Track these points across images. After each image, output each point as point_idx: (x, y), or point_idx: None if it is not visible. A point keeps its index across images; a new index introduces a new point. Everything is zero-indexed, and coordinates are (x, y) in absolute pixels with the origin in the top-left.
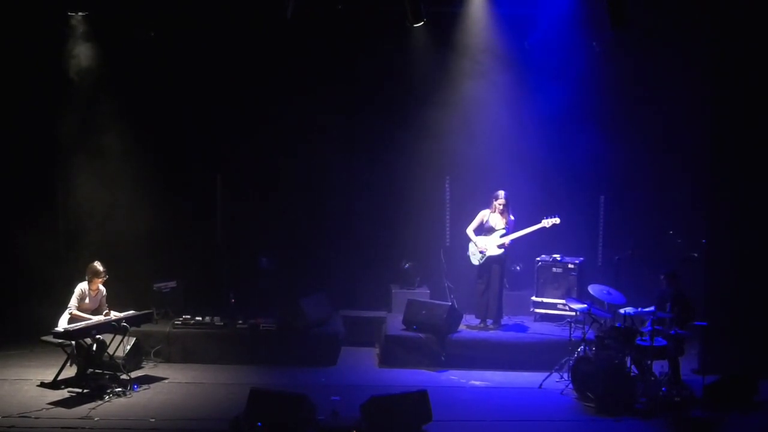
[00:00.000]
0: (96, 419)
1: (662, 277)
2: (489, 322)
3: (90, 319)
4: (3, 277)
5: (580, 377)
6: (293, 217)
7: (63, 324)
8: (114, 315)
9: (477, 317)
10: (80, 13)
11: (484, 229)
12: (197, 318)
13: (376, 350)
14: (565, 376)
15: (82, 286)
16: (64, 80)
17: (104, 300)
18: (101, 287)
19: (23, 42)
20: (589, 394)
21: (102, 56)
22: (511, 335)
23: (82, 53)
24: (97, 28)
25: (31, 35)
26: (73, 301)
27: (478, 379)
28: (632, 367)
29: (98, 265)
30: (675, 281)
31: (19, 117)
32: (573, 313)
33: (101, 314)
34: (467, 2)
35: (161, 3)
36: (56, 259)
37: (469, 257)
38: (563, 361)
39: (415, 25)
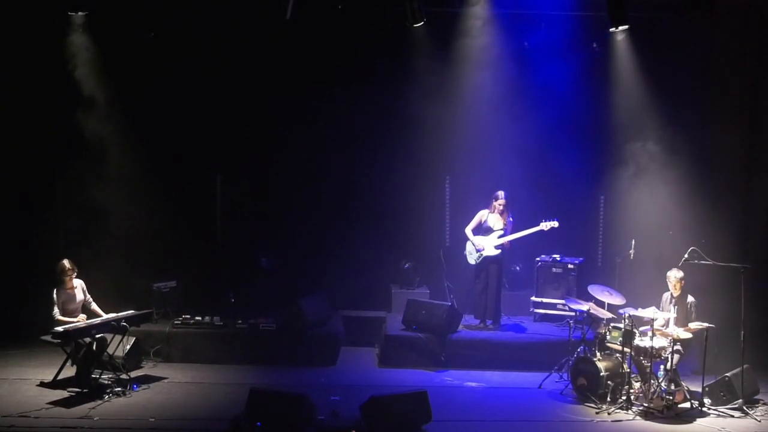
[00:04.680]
0: (95, 419)
1: (669, 280)
2: (488, 322)
3: (77, 321)
4: (2, 277)
5: (579, 377)
6: (293, 217)
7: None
8: (105, 315)
9: (476, 317)
10: (80, 13)
11: (482, 230)
12: (197, 318)
13: (376, 350)
14: (565, 376)
15: (57, 291)
16: (64, 80)
17: (86, 291)
18: (76, 281)
19: (23, 41)
20: (589, 394)
21: (102, 56)
22: (510, 335)
23: (82, 53)
24: (97, 28)
25: (31, 35)
26: (54, 309)
27: (478, 379)
28: (632, 367)
29: (66, 263)
30: (681, 285)
31: (19, 117)
32: (572, 314)
33: (87, 308)
34: (467, 2)
35: (161, 3)
36: (56, 259)
37: (466, 257)
38: (563, 361)
39: (415, 25)
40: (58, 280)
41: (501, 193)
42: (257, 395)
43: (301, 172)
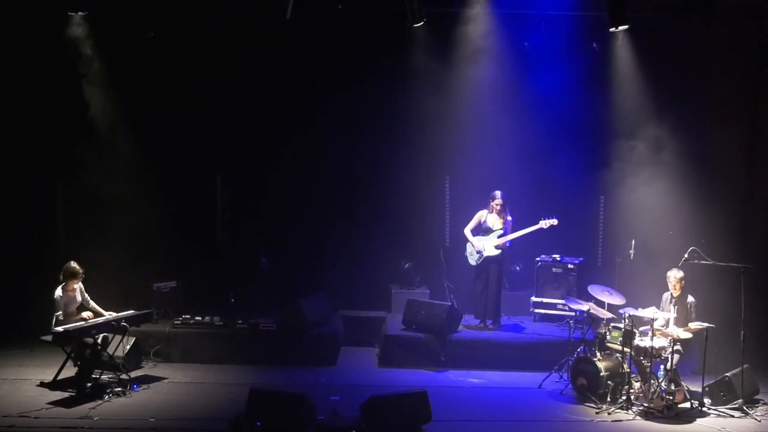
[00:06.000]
0: (96, 419)
1: (669, 280)
2: (488, 322)
3: (79, 321)
4: (2, 277)
5: (579, 377)
6: (293, 217)
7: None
8: (105, 314)
9: (476, 317)
10: (80, 13)
11: (481, 230)
12: (197, 318)
13: (376, 350)
14: (565, 376)
15: (59, 293)
16: (64, 80)
17: (83, 291)
18: (77, 284)
19: (23, 42)
20: (589, 394)
21: (102, 56)
22: (510, 335)
23: (82, 53)
24: (97, 28)
25: (31, 35)
26: (56, 310)
27: (478, 379)
28: (632, 367)
29: (75, 266)
30: (681, 285)
31: (19, 118)
32: (572, 314)
33: (86, 308)
34: (467, 2)
35: (161, 3)
36: (56, 259)
37: (466, 258)
38: (563, 361)
39: (415, 25)
40: (64, 281)
41: (498, 193)
42: (257, 395)
43: (301, 172)
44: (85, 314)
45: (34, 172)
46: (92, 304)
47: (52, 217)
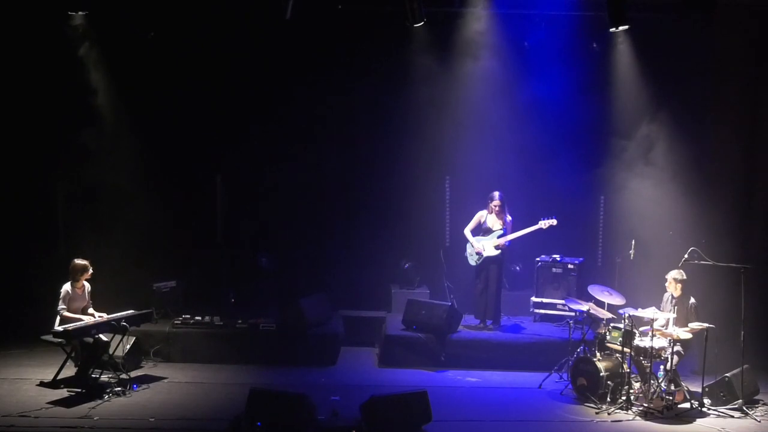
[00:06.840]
0: (95, 419)
1: (669, 281)
2: (488, 322)
3: (81, 319)
4: (2, 277)
5: (579, 377)
6: (293, 217)
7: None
8: (100, 315)
9: (476, 318)
10: (80, 13)
11: (481, 230)
12: (197, 318)
13: (376, 350)
14: (565, 376)
15: (67, 287)
16: (63, 80)
17: (89, 294)
18: (85, 283)
19: (23, 41)
20: (589, 395)
21: (101, 57)
22: (510, 335)
23: (82, 53)
24: (97, 28)
25: (31, 35)
26: (61, 304)
27: (477, 378)
28: (632, 367)
29: (81, 261)
30: (682, 285)
31: (17, 118)
32: (572, 314)
33: (87, 311)
34: (467, 2)
35: (161, 3)
36: (56, 259)
37: (466, 258)
38: (563, 361)
39: (415, 25)
40: (72, 277)
41: (496, 194)
42: (257, 395)
43: (301, 171)
44: (87, 316)
45: (34, 172)
46: (90, 309)
47: (52, 217)
